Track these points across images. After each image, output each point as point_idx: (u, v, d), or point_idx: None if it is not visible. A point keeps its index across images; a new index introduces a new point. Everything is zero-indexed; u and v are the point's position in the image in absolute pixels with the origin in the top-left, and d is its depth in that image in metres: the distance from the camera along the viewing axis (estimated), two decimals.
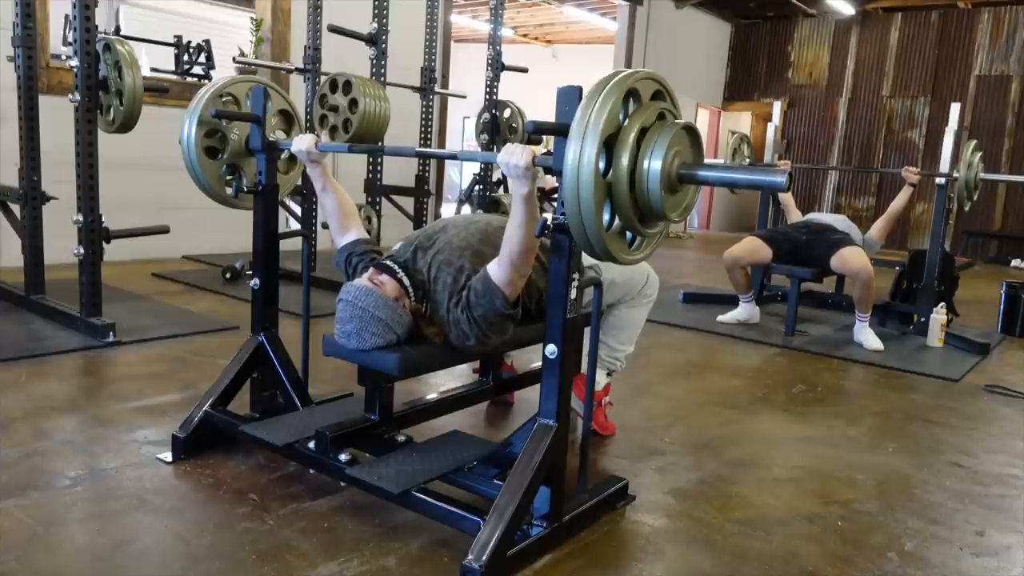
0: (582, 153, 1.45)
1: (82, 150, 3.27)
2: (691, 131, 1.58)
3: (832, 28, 10.86)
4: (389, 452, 1.99)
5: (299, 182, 3.14)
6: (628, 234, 1.63)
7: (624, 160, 1.49)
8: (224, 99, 2.37)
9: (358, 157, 4.80)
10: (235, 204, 2.44)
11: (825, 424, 2.86)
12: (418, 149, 2.20)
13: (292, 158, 2.50)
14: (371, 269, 1.98)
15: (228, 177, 2.42)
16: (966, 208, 4.58)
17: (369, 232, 2.58)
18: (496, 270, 1.84)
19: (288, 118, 2.52)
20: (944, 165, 4.39)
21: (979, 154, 4.54)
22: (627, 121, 1.51)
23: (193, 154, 2.34)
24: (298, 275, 4.51)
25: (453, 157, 2.02)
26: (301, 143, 2.13)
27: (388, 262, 1.99)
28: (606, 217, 1.54)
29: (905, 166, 4.67)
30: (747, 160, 5.25)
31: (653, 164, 1.50)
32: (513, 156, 1.64)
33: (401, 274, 1.95)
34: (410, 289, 1.95)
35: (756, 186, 1.61)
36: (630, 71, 1.54)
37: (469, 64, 9.16)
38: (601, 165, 1.47)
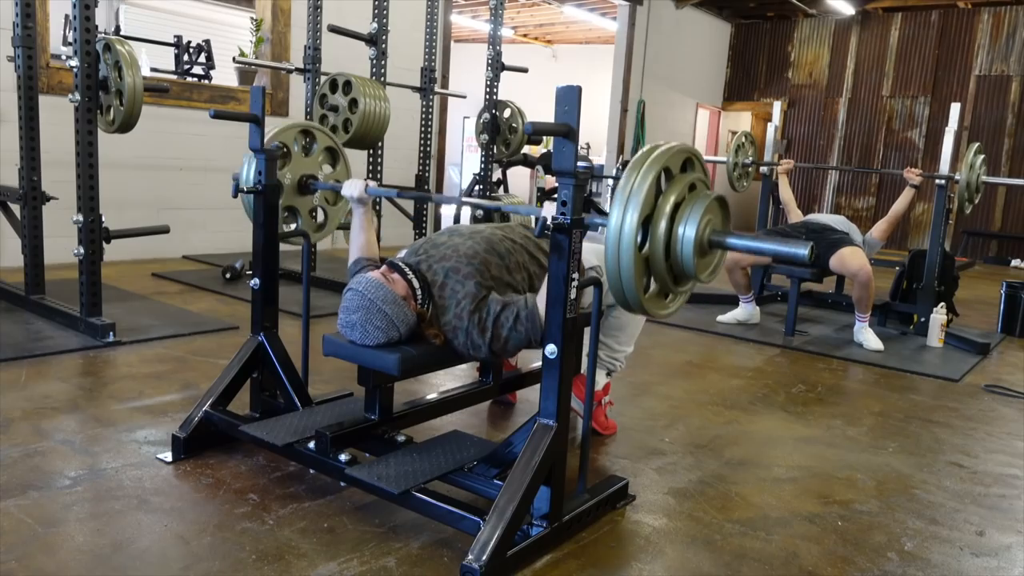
0: (621, 236, 1.59)
1: (82, 150, 3.27)
2: (721, 201, 1.71)
3: (832, 28, 10.86)
4: (389, 452, 1.99)
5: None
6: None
7: (660, 235, 1.63)
8: (275, 146, 2.40)
9: (359, 154, 4.80)
10: (291, 240, 2.50)
11: (825, 424, 2.86)
12: (463, 199, 2.29)
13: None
14: (384, 266, 2.02)
15: (285, 215, 2.50)
16: (967, 211, 4.58)
17: None
18: (544, 306, 1.82)
19: (333, 154, 2.59)
20: (944, 166, 4.39)
21: (981, 156, 4.54)
22: (660, 199, 1.64)
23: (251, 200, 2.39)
24: (298, 275, 4.51)
25: (497, 209, 2.07)
26: (352, 188, 2.27)
27: (399, 263, 2.03)
28: (644, 282, 1.68)
29: (907, 167, 4.67)
30: (750, 159, 5.28)
31: (688, 232, 1.64)
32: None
33: (411, 275, 2.00)
34: (418, 291, 1.99)
35: (780, 256, 1.74)
36: (658, 152, 1.64)
37: (469, 64, 9.16)
38: (638, 239, 1.61)
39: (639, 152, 1.67)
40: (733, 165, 5.15)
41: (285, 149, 2.41)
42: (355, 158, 5.28)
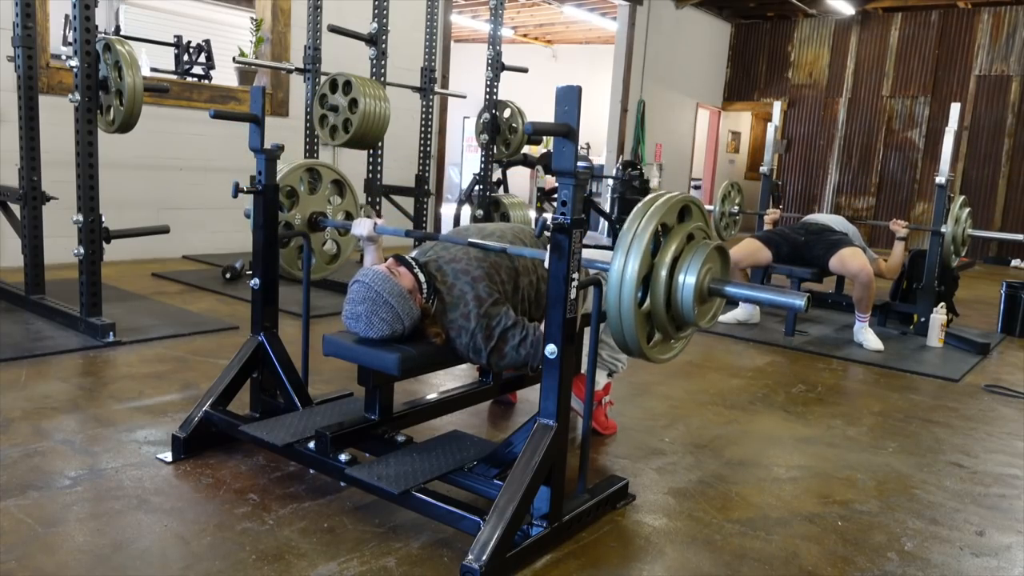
0: (621, 299, 1.68)
1: (82, 150, 3.27)
2: (720, 250, 1.78)
3: (832, 28, 10.85)
4: (389, 452, 1.99)
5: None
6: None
7: (660, 290, 1.72)
8: (284, 188, 2.41)
9: (358, 154, 4.80)
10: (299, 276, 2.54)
11: (825, 424, 2.86)
12: (471, 240, 2.08)
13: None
14: (390, 259, 2.02)
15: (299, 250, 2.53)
16: (954, 264, 4.59)
17: None
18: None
19: (339, 185, 2.62)
20: (944, 165, 4.39)
21: (967, 210, 4.56)
22: (658, 255, 1.70)
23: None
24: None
25: (503, 250, 2.04)
26: (361, 228, 2.29)
27: (407, 257, 2.04)
28: (646, 334, 1.79)
29: (893, 219, 4.66)
30: (737, 207, 5.32)
31: (688, 280, 1.73)
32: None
33: (418, 270, 2.01)
34: (424, 286, 2.00)
35: (777, 306, 1.83)
36: (653, 208, 1.70)
37: (469, 64, 9.16)
38: (638, 296, 1.69)
39: (637, 206, 1.74)
40: (720, 214, 5.19)
41: (291, 189, 2.43)
42: (355, 158, 5.29)
